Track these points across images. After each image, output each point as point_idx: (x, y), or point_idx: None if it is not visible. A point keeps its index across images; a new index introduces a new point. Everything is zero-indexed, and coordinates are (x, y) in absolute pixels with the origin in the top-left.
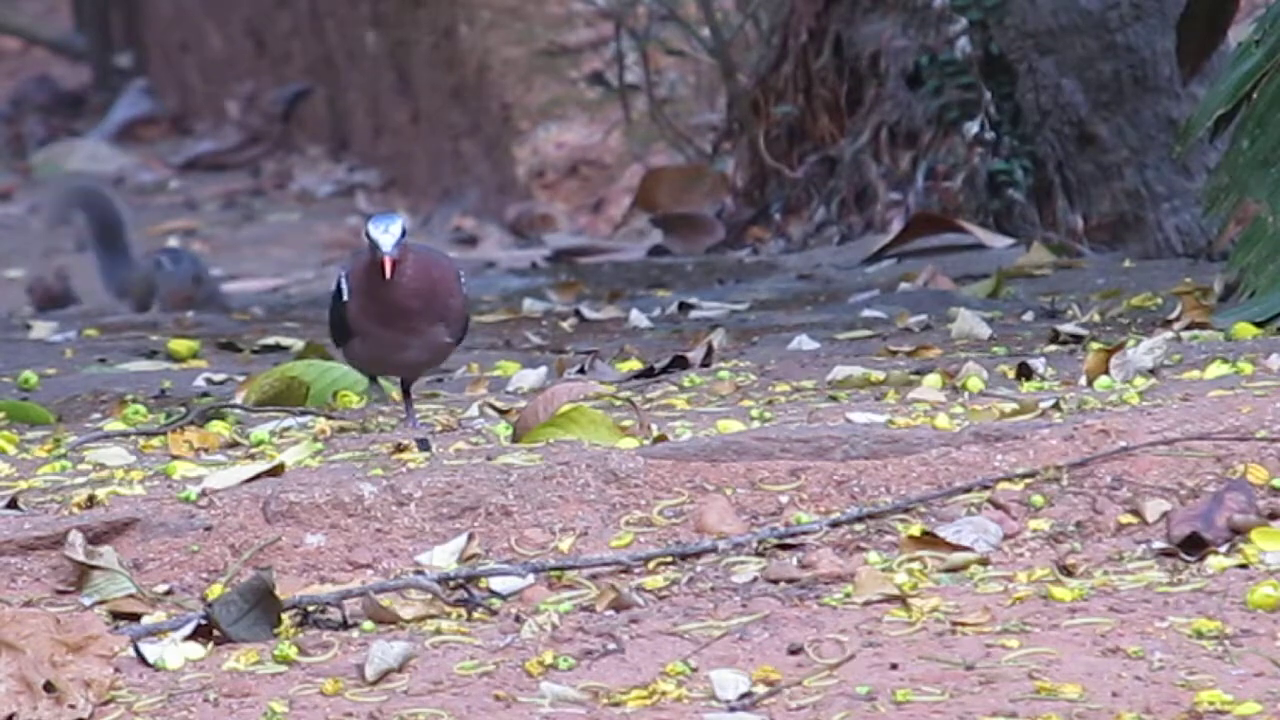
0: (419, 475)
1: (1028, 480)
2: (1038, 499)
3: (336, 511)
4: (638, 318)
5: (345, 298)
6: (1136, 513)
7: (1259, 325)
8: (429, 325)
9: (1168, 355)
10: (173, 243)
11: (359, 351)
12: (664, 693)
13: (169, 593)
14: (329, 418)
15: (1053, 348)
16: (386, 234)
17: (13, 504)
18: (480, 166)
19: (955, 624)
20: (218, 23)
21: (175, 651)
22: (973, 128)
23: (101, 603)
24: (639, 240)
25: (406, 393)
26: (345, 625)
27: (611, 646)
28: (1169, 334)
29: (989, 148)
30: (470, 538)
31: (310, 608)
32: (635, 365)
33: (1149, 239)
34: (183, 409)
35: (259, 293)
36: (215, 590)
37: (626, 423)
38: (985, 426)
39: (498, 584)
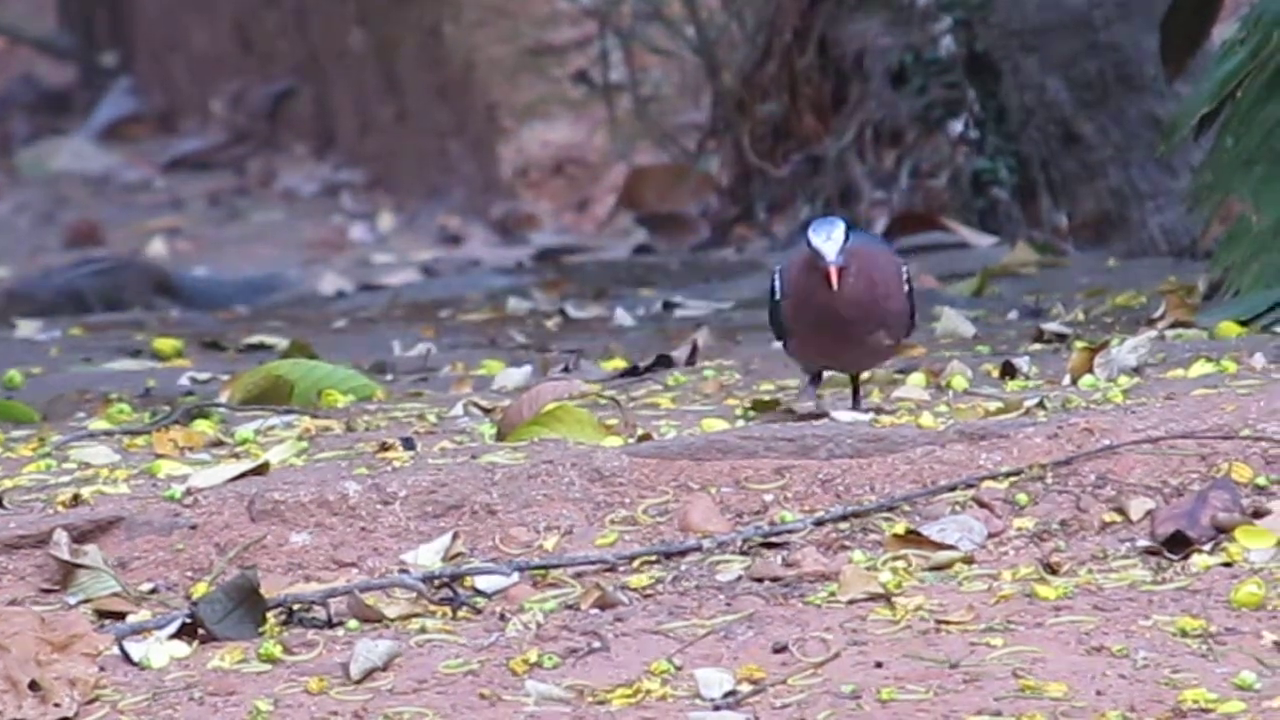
0: (404, 474)
1: (1012, 479)
2: (1022, 497)
3: (321, 510)
4: (622, 316)
5: (779, 297)
6: (1121, 511)
7: (1243, 324)
8: (868, 332)
9: (1152, 354)
10: (158, 242)
11: (797, 350)
12: (649, 691)
13: (154, 591)
14: (314, 416)
15: (1037, 346)
16: (829, 241)
17: None
18: (465, 165)
19: (940, 622)
20: (203, 21)
21: (160, 650)
22: (957, 126)
23: (86, 601)
24: (624, 239)
25: (854, 382)
26: (330, 624)
27: (596, 645)
28: (1153, 333)
29: (973, 146)
30: (455, 536)
31: (295, 606)
32: (620, 364)
33: (1133, 238)
34: (167, 408)
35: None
36: (200, 589)
37: (611, 421)
38: (970, 425)
39: (482, 583)
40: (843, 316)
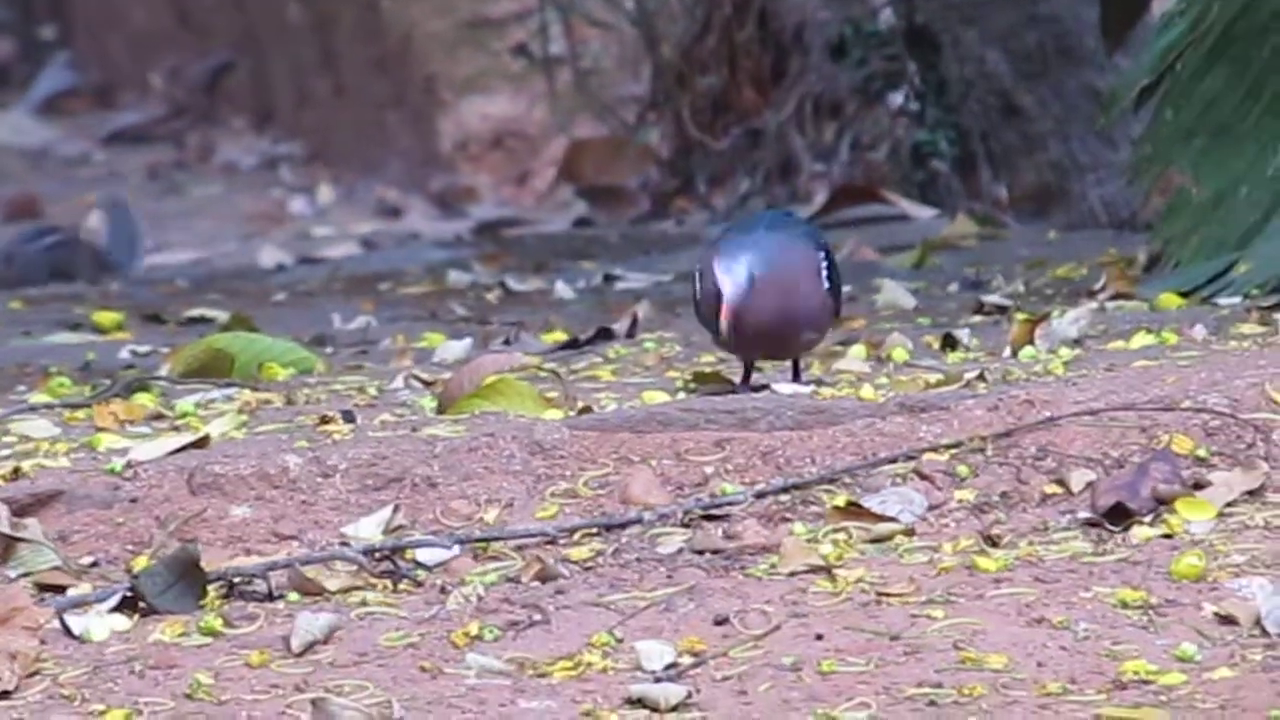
0: (344, 447)
1: (953, 451)
2: (963, 469)
3: (262, 483)
4: (562, 289)
5: (699, 298)
6: (1061, 483)
7: (1183, 295)
8: (789, 342)
9: (1092, 326)
10: (95, 214)
11: (725, 349)
12: (589, 664)
13: (94, 565)
14: (254, 389)
15: (977, 318)
16: (729, 277)
17: None
18: (404, 139)
19: (880, 594)
20: None
21: (101, 623)
22: (897, 99)
23: (26, 575)
24: (563, 212)
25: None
26: (271, 597)
27: (537, 617)
28: (1093, 304)
29: (913, 119)
30: (396, 509)
31: (236, 579)
32: (560, 337)
33: (1073, 209)
34: (108, 381)
35: (183, 265)
36: (140, 562)
37: (551, 394)
38: (910, 397)
39: (423, 555)
40: (756, 341)
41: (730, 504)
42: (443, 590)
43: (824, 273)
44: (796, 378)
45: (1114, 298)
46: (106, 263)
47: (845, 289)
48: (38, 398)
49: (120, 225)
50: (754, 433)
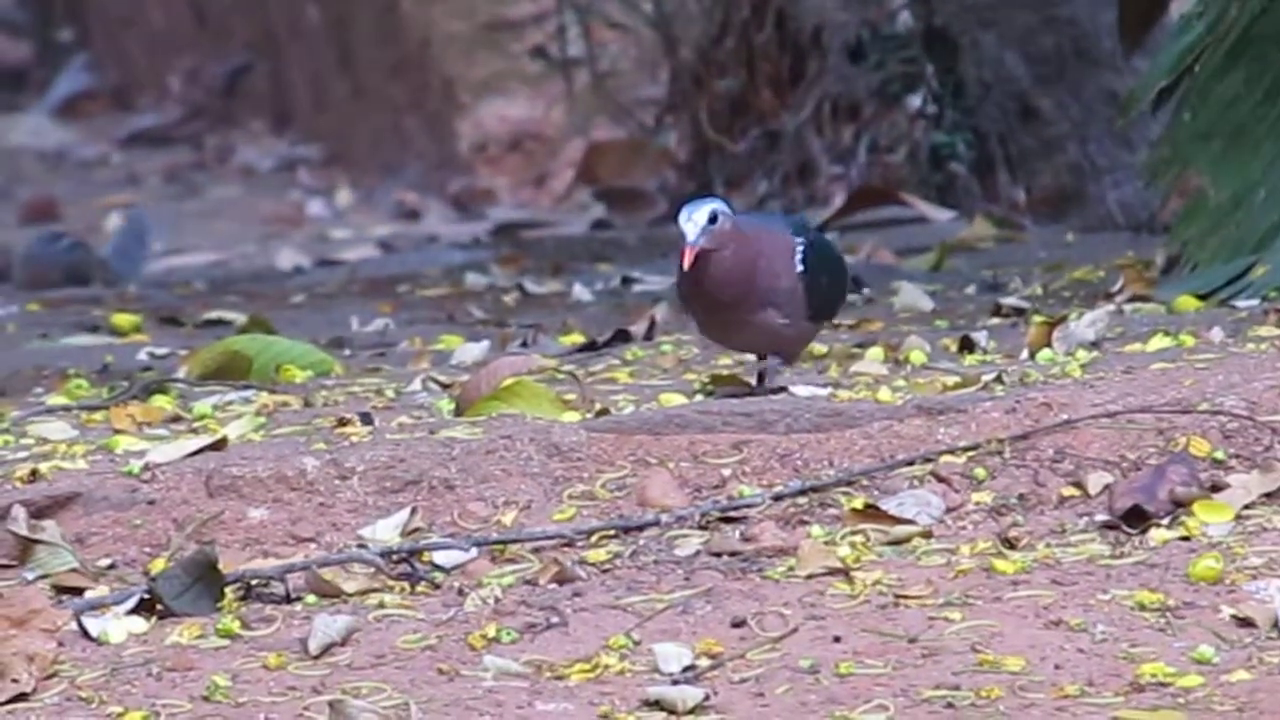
0: (362, 449)
1: (970, 453)
2: (980, 472)
3: (279, 485)
4: (580, 291)
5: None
6: (1079, 485)
7: (1201, 298)
8: (751, 313)
9: (1110, 328)
10: (114, 217)
11: (700, 331)
12: (607, 666)
13: (112, 567)
14: (272, 392)
15: (995, 321)
16: (690, 222)
17: None
18: (422, 141)
19: (898, 597)
20: None
21: (118, 626)
22: (915, 101)
23: (44, 577)
24: (581, 214)
25: (760, 374)
26: (288, 599)
27: (554, 620)
28: (1111, 307)
29: (931, 121)
30: (413, 511)
31: (253, 581)
32: (578, 339)
33: (1091, 212)
34: (125, 383)
35: (201, 267)
36: (158, 564)
37: (569, 396)
38: (928, 399)
39: (441, 557)
40: (717, 297)
41: (748, 506)
42: (460, 592)
43: (797, 257)
44: (760, 383)
45: (1131, 300)
46: (110, 269)
47: (865, 291)
48: (55, 400)
49: (128, 235)
50: (771, 435)
